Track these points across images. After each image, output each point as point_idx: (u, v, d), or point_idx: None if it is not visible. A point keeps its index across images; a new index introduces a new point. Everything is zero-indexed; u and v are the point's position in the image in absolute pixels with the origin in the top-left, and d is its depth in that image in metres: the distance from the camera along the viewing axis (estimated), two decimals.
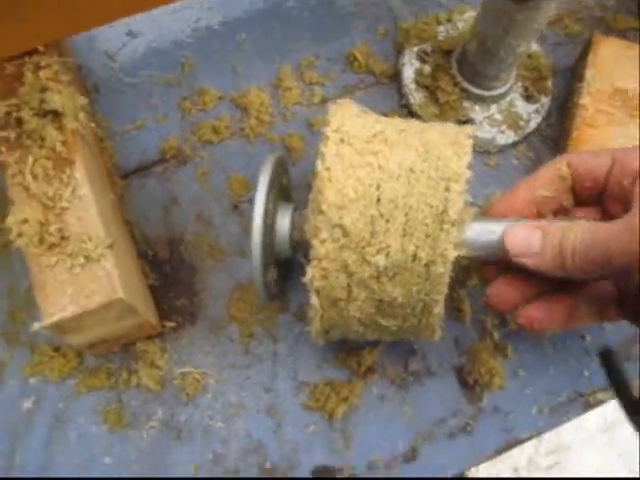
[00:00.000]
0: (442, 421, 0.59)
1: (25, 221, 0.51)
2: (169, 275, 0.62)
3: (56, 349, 0.60)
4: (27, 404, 0.59)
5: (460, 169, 0.46)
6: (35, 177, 0.52)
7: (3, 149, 0.53)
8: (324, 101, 0.67)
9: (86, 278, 0.50)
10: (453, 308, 0.62)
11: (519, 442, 0.60)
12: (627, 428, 0.44)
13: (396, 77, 0.68)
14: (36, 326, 0.49)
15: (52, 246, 0.51)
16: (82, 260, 0.50)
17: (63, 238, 0.51)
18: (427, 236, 0.46)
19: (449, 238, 0.45)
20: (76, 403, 0.59)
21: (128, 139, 0.66)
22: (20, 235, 0.51)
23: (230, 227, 0.63)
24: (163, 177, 0.65)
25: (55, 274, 0.50)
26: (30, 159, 0.53)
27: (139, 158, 0.66)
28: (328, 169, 0.47)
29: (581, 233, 0.44)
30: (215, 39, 0.70)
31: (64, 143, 0.54)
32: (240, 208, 0.64)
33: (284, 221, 0.54)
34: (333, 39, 0.70)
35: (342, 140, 0.48)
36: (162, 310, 0.61)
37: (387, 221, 0.46)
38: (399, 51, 0.69)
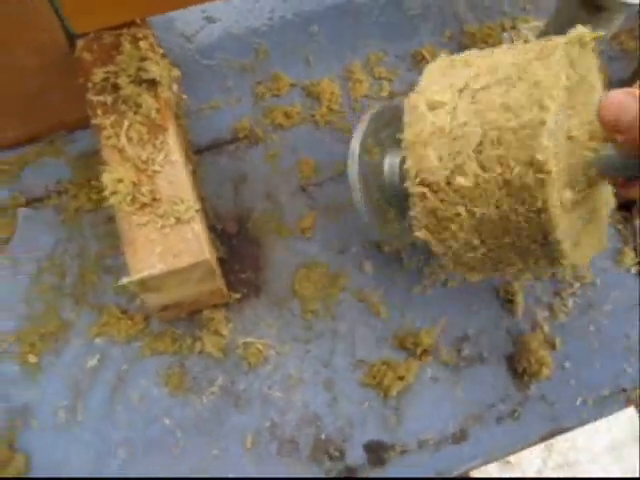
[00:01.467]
0: (491, 405, 0.62)
1: (120, 180, 0.53)
2: (236, 249, 0.65)
3: (124, 311, 0.63)
4: (92, 362, 0.62)
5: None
6: (130, 140, 0.55)
7: (99, 112, 0.56)
8: (391, 96, 0.70)
9: (175, 238, 0.53)
10: (506, 300, 0.64)
11: (563, 431, 0.62)
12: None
13: None
14: (124, 280, 0.52)
15: (143, 206, 0.54)
16: (173, 221, 0.53)
17: (155, 199, 0.54)
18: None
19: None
20: (139, 365, 0.62)
21: (202, 118, 0.69)
22: (114, 193, 0.53)
23: (297, 208, 0.66)
24: (234, 156, 0.68)
25: (145, 233, 0.53)
26: (125, 123, 0.56)
27: (212, 136, 0.69)
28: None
29: None
30: (289, 29, 0.73)
31: (158, 111, 0.56)
32: (308, 191, 0.66)
33: (394, 160, 0.59)
34: (401, 38, 0.73)
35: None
36: (228, 282, 0.63)
37: None
38: None
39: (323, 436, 0.60)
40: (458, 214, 0.49)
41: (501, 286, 0.64)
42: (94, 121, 0.56)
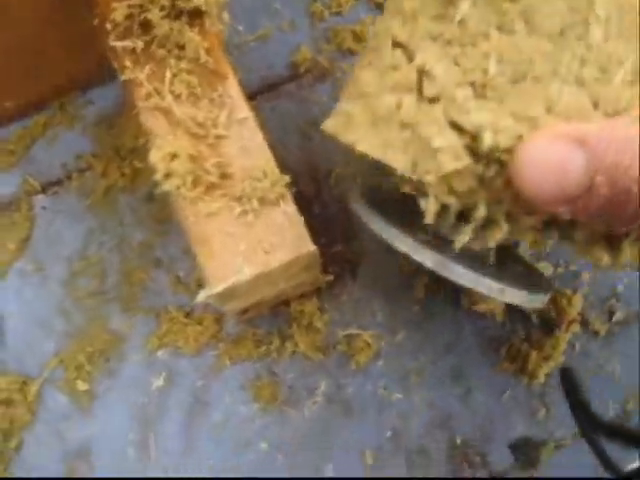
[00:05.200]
0: None
1: (174, 156, 0.36)
2: (319, 216, 0.48)
3: (187, 314, 0.46)
4: (157, 382, 0.46)
5: None
6: (177, 97, 0.37)
7: (128, 63, 0.38)
8: None
9: (263, 227, 0.36)
10: None
11: None
12: None
13: None
14: (202, 296, 0.35)
15: (211, 187, 0.36)
16: (255, 204, 0.36)
17: (225, 176, 0.37)
18: None
19: None
20: (218, 379, 0.46)
21: (249, 52, 0.51)
22: (169, 175, 0.36)
23: None
24: (297, 96, 0.50)
25: (220, 225, 0.36)
26: (168, 74, 0.38)
27: (265, 75, 0.50)
28: None
29: None
30: None
31: (209, 51, 0.38)
32: None
33: None
34: None
35: None
36: None
37: None
38: None
39: (459, 440, 0.45)
40: None
41: None
42: (123, 77, 0.38)
